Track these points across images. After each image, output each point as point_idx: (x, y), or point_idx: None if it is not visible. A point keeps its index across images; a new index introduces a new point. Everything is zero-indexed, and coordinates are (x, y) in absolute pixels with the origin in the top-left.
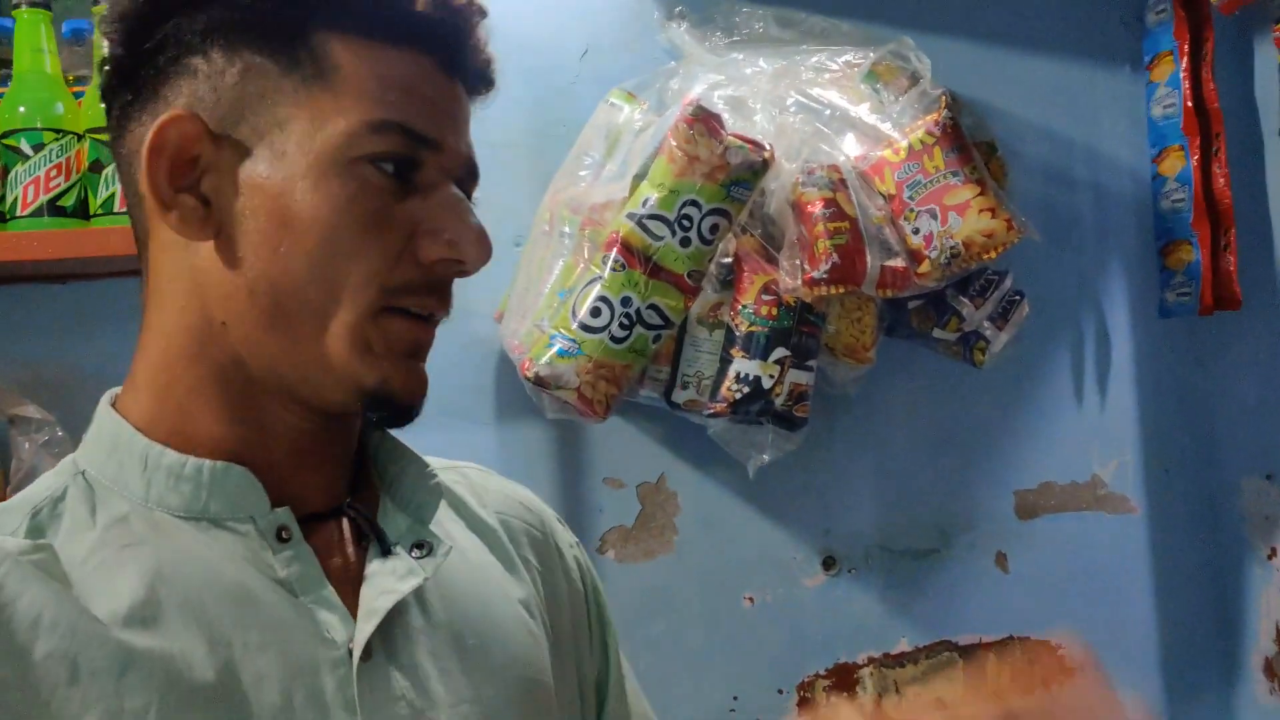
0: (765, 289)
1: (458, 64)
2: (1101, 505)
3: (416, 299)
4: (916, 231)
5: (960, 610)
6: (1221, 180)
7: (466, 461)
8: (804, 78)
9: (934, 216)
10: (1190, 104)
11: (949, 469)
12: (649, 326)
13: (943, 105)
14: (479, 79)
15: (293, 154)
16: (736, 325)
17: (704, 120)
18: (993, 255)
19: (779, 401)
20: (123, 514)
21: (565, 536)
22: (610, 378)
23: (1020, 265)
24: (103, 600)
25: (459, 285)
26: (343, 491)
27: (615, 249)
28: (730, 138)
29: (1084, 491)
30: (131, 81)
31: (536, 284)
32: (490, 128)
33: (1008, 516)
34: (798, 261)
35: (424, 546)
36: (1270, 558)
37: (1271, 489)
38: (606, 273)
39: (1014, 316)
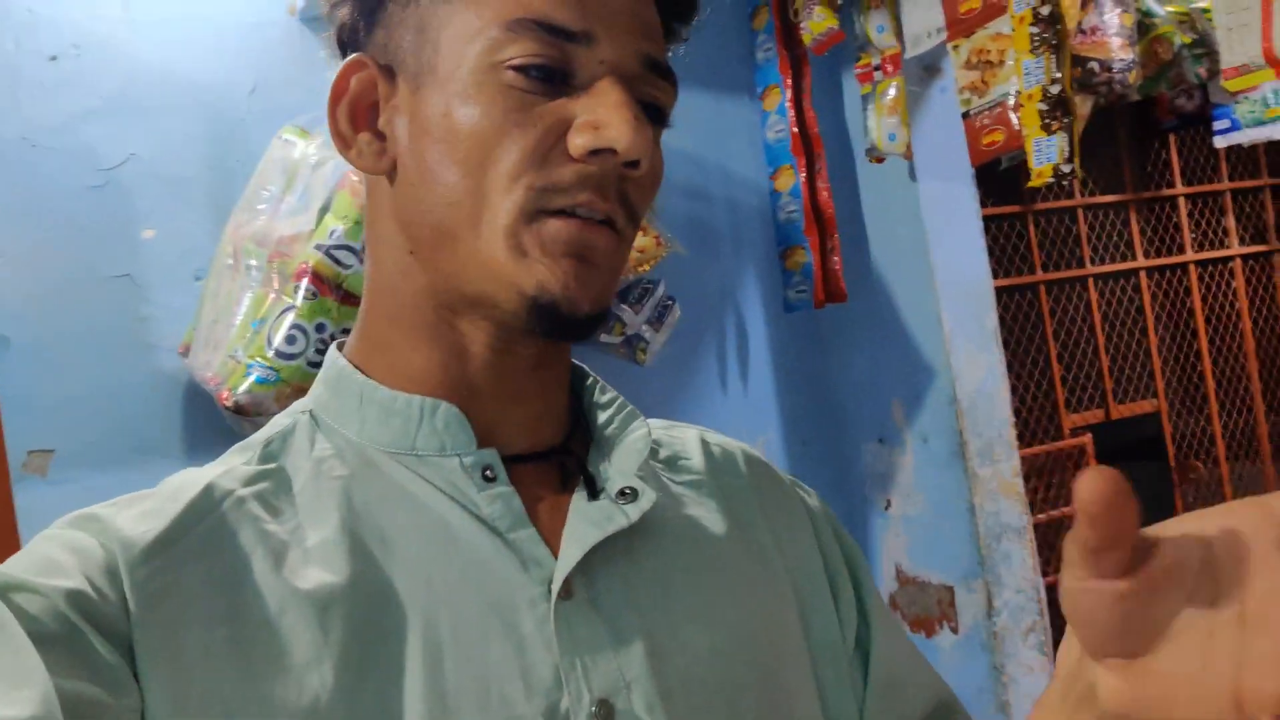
0: None
1: None
2: None
3: (569, 197)
4: None
5: None
6: (825, 193)
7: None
8: None
9: None
10: (796, 129)
11: None
12: None
13: None
14: None
15: (448, 73)
16: None
17: None
18: (646, 268)
19: None
20: (339, 448)
21: (802, 495)
22: None
23: (670, 274)
24: (311, 532)
25: (132, 322)
26: (554, 436)
27: (306, 278)
28: None
29: None
30: (351, 36)
31: (227, 316)
32: (167, 163)
33: None
34: None
35: (630, 493)
36: (886, 508)
37: (884, 450)
38: (299, 301)
39: (668, 319)
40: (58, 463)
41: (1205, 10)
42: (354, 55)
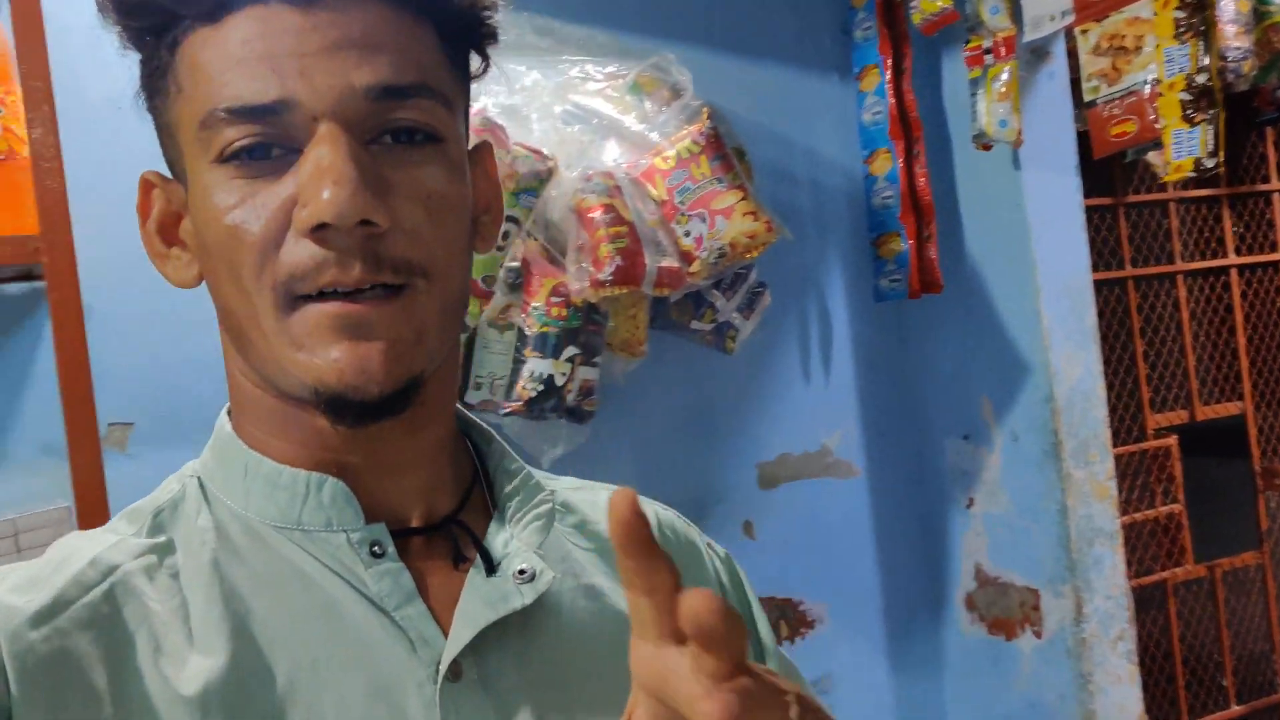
0: (554, 291)
1: None
2: (830, 471)
3: (312, 282)
4: (688, 234)
5: None
6: (922, 179)
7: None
8: (573, 88)
9: (703, 220)
10: (895, 112)
11: (701, 448)
12: None
13: (705, 117)
14: None
15: (189, 178)
16: (528, 326)
17: (491, 131)
18: (754, 254)
19: (570, 397)
20: (224, 521)
21: (710, 554)
22: None
23: (758, 259)
24: (194, 611)
25: None
26: (448, 501)
27: None
28: (516, 147)
29: (815, 460)
30: None
31: None
32: None
33: (752, 487)
34: (584, 265)
35: (527, 573)
36: (969, 506)
37: (968, 447)
38: None
39: (758, 306)
40: (136, 436)
41: None
42: (143, 174)
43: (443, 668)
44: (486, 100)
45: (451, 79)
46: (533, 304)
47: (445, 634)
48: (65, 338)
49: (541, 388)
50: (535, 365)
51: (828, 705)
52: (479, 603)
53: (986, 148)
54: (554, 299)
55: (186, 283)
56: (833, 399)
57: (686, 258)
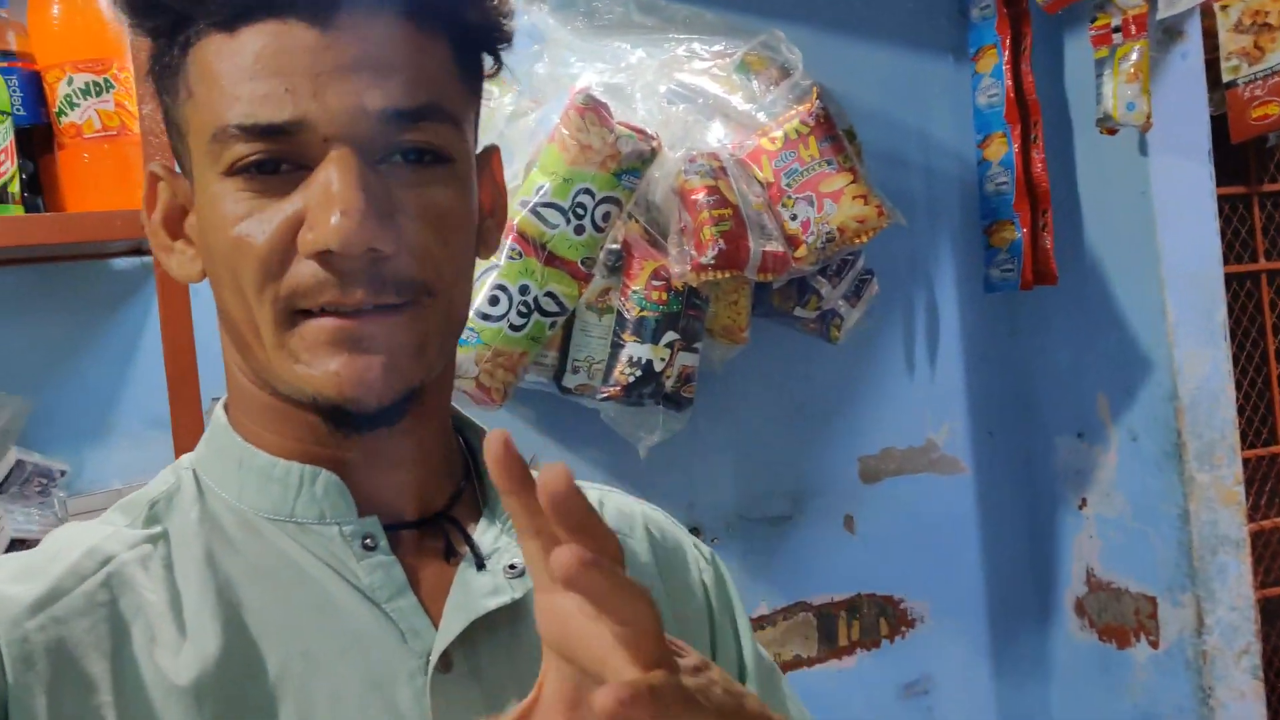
0: (655, 274)
1: (327, 8)
2: (935, 467)
3: (313, 300)
4: (794, 217)
5: (813, 572)
6: (1039, 165)
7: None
8: (679, 66)
9: (810, 203)
10: (1012, 94)
11: (801, 439)
12: (546, 314)
13: (814, 96)
14: (368, 6)
15: (196, 182)
16: (627, 310)
17: (594, 109)
18: (864, 240)
19: (669, 384)
20: (219, 513)
21: (695, 555)
22: (508, 365)
23: (865, 246)
24: (188, 602)
25: None
26: (440, 498)
27: (511, 237)
28: (620, 127)
29: (920, 455)
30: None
31: None
32: None
33: (853, 481)
34: (686, 248)
35: (517, 568)
36: (1081, 507)
37: (1082, 446)
38: (503, 261)
39: (865, 294)
40: None
41: None
42: (151, 167)
43: (433, 659)
44: (591, 77)
45: (463, 93)
46: (632, 287)
47: (436, 627)
48: (171, 313)
49: (640, 373)
50: (634, 350)
51: (927, 707)
52: (469, 596)
53: (1111, 131)
54: (654, 282)
55: (190, 278)
56: (939, 392)
57: (792, 242)
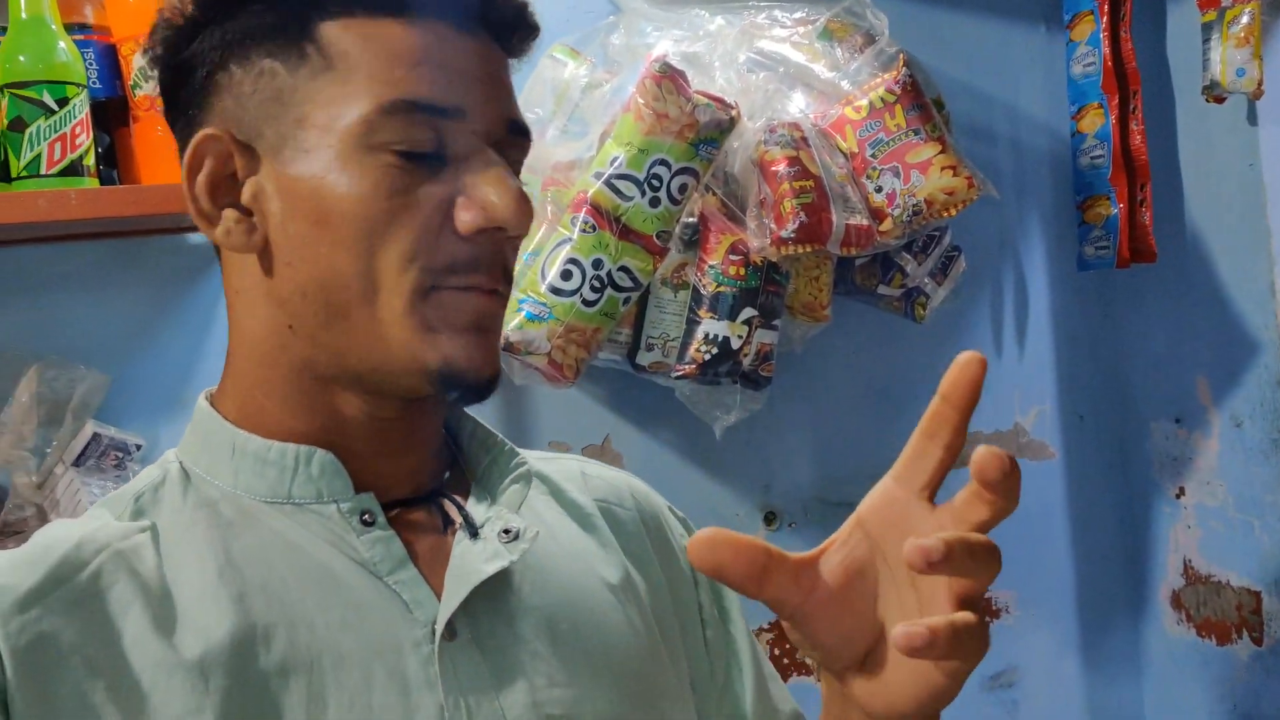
0: (732, 249)
1: (478, 20)
2: (1023, 452)
3: (462, 277)
4: (879, 190)
5: None
6: (1138, 137)
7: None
8: (759, 34)
9: (896, 175)
10: (1110, 63)
11: (883, 421)
12: (619, 289)
13: (901, 63)
14: (510, 28)
15: (316, 150)
16: (704, 286)
17: (671, 78)
18: (953, 213)
19: (747, 362)
20: (212, 499)
21: (678, 526)
22: (581, 341)
23: (952, 222)
24: (188, 584)
25: None
26: (431, 479)
27: (584, 210)
28: (698, 96)
29: (1007, 439)
30: (175, 104)
31: None
32: None
33: None
34: (765, 221)
35: (512, 532)
36: (1178, 497)
37: (1179, 432)
38: (576, 234)
39: (952, 272)
40: None
41: None
42: (206, 130)
43: (439, 627)
44: (668, 46)
45: None
46: (709, 262)
47: (438, 597)
48: None
49: (716, 350)
50: (710, 327)
51: (1013, 700)
52: (469, 563)
53: (1219, 100)
54: (732, 257)
55: (239, 247)
56: (1028, 375)
57: (877, 215)
